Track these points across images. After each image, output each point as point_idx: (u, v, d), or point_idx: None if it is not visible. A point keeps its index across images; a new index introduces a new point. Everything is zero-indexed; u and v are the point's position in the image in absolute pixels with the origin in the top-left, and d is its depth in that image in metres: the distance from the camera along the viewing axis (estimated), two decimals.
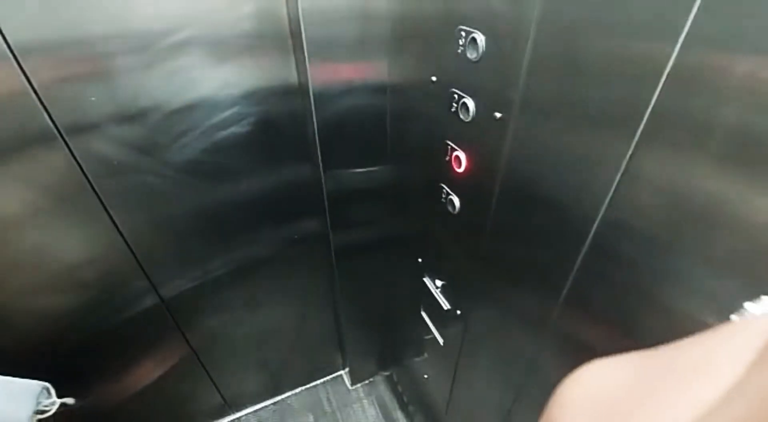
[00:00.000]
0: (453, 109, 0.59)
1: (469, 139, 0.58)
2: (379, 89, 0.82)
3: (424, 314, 0.94)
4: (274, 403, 1.42)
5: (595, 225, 0.42)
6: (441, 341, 0.88)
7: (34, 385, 0.78)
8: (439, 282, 0.83)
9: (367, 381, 1.48)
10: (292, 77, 0.84)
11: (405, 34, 0.71)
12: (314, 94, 0.79)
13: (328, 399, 1.44)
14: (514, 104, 0.48)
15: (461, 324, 0.76)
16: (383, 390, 1.45)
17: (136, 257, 0.92)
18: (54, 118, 0.71)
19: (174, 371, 1.18)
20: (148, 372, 1.15)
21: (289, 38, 0.79)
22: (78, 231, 0.85)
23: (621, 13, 0.34)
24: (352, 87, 0.81)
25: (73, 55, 0.68)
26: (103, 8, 0.66)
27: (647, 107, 0.34)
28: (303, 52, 0.75)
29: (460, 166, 0.61)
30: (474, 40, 0.51)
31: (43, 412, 0.80)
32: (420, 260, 0.88)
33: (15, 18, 0.63)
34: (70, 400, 0.85)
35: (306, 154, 0.93)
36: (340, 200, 0.97)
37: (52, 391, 0.82)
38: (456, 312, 0.77)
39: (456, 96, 0.58)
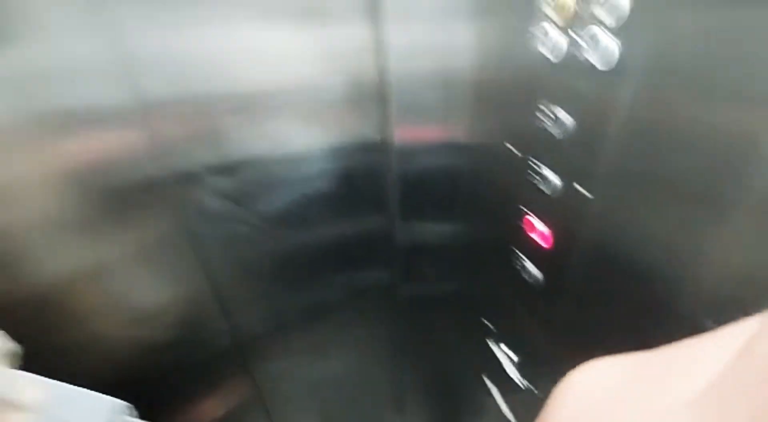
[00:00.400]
0: (530, 178, 0.60)
1: (545, 207, 0.58)
2: (457, 150, 0.85)
3: (485, 378, 0.90)
4: None
5: (697, 304, 0.39)
6: (508, 415, 0.83)
7: (118, 402, 0.84)
8: (504, 348, 0.80)
9: None
10: (375, 135, 0.89)
11: (486, 101, 0.74)
12: (396, 152, 0.84)
13: None
14: (596, 178, 0.48)
15: (530, 397, 0.72)
16: None
17: (219, 300, 0.99)
18: (165, 168, 0.81)
19: (239, 408, 1.21)
20: (214, 408, 1.20)
21: (375, 101, 0.85)
22: (170, 274, 0.94)
23: (728, 87, 0.33)
24: (432, 146, 0.85)
25: (189, 112, 0.78)
26: (223, 73, 0.76)
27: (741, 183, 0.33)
28: (389, 114, 0.80)
29: (534, 232, 0.61)
30: (557, 116, 0.52)
31: None
32: (486, 322, 0.86)
33: (152, 76, 0.74)
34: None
35: (381, 208, 0.97)
36: (411, 253, 0.99)
37: (131, 408, 0.87)
38: (523, 384, 0.73)
39: (534, 165, 0.58)
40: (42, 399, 0.73)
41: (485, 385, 0.89)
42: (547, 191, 0.57)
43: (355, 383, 1.30)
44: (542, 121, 0.55)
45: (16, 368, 0.70)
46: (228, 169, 0.85)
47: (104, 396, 0.84)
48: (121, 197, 0.82)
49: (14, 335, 0.90)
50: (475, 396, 1.01)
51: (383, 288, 1.10)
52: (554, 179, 0.55)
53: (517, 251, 0.68)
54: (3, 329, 0.87)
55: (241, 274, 0.98)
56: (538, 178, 0.58)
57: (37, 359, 0.95)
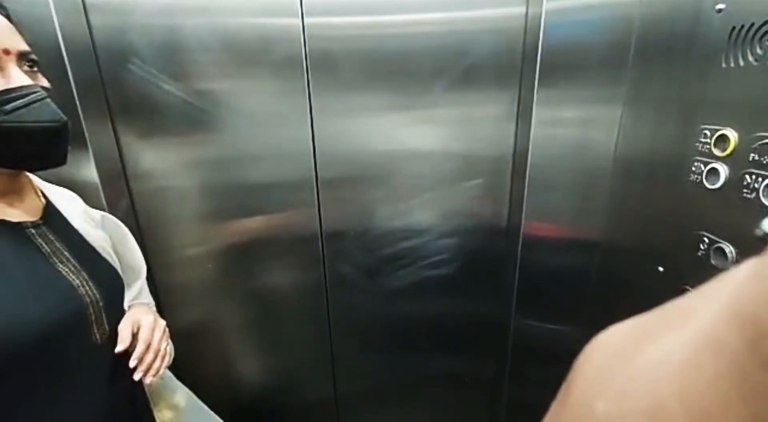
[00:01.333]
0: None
1: None
2: (589, 249, 0.85)
3: None
4: None
5: None
6: None
7: None
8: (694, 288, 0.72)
9: None
10: (502, 224, 0.94)
11: (627, 214, 0.77)
12: (523, 243, 0.87)
13: None
14: None
15: None
16: None
17: (332, 354, 1.06)
18: (323, 227, 0.93)
19: None
20: None
21: (508, 197, 0.92)
22: (300, 322, 1.05)
23: None
24: (561, 242, 0.87)
25: (347, 184, 0.91)
26: (383, 159, 0.89)
27: None
28: (521, 209, 0.85)
29: None
30: (718, 246, 0.53)
31: None
32: None
33: (326, 157, 0.89)
34: None
35: (499, 300, 0.99)
36: (524, 352, 0.97)
37: None
38: None
39: (687, 289, 0.58)
40: (183, 405, 0.84)
41: None
42: None
43: None
44: (702, 250, 0.56)
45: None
46: (371, 249, 0.95)
47: (219, 418, 0.94)
48: (281, 248, 0.97)
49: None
50: None
51: (486, 382, 1.08)
52: None
53: None
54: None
55: (357, 339, 1.04)
56: None
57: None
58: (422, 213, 0.93)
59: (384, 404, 1.14)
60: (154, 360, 0.62)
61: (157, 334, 0.63)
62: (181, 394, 0.84)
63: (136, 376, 0.60)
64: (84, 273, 0.57)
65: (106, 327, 0.59)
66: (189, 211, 0.93)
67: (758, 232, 0.48)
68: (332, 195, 0.91)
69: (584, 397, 0.20)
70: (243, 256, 0.96)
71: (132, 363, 0.60)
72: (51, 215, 0.59)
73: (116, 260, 0.67)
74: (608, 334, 0.22)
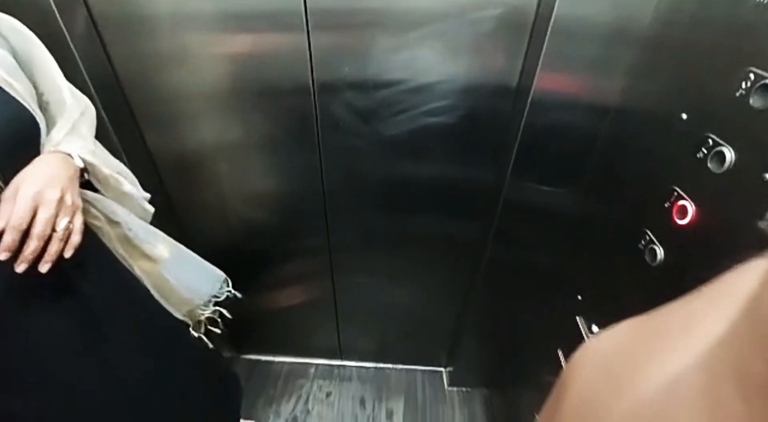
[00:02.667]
0: (699, 155, 0.51)
1: (710, 192, 0.50)
2: (602, 111, 0.76)
3: (560, 352, 0.87)
4: (375, 368, 1.49)
5: None
6: None
7: (219, 273, 0.95)
8: (596, 328, 0.75)
9: (464, 389, 1.45)
10: (513, 80, 0.83)
11: (660, 61, 0.64)
12: (532, 101, 0.77)
13: (423, 388, 1.45)
14: None
15: None
16: (478, 404, 1.40)
17: (325, 201, 1.05)
18: (314, 76, 0.84)
19: (313, 304, 1.33)
20: (291, 298, 1.32)
21: (526, 43, 0.78)
22: (291, 166, 1.01)
23: None
24: (573, 102, 0.77)
25: (348, 25, 0.78)
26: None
27: None
28: (537, 59, 0.73)
29: (683, 217, 0.53)
30: (766, 86, 0.43)
31: (217, 296, 0.97)
32: (580, 298, 0.81)
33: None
34: (238, 294, 1.00)
35: (497, 158, 0.93)
36: (514, 212, 0.94)
37: (229, 283, 0.98)
38: None
39: (710, 141, 0.50)
40: (167, 256, 0.85)
41: (557, 357, 0.86)
42: (715, 170, 0.49)
43: (418, 317, 1.33)
44: (743, 89, 0.46)
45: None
46: (366, 87, 0.85)
47: (212, 266, 0.97)
48: (270, 92, 0.88)
49: (160, 189, 1.05)
50: (540, 365, 0.99)
51: (474, 238, 1.08)
52: (730, 156, 0.47)
53: (648, 232, 0.61)
54: (153, 181, 1.00)
55: (350, 187, 1.01)
56: (710, 155, 0.49)
57: (174, 217, 1.10)
58: (426, 50, 0.80)
59: (374, 253, 1.17)
60: (44, 247, 0.49)
61: (44, 212, 0.49)
62: (165, 246, 0.81)
63: (18, 268, 0.48)
64: None
65: (1, 184, 0.48)
66: (165, 45, 0.81)
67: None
68: (324, 22, 0.78)
69: (583, 410, 0.17)
70: (227, 89, 0.88)
71: (1, 256, 0.47)
72: None
73: (19, 87, 0.53)
74: (599, 341, 0.20)
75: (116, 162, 0.73)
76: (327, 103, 0.87)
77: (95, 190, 0.66)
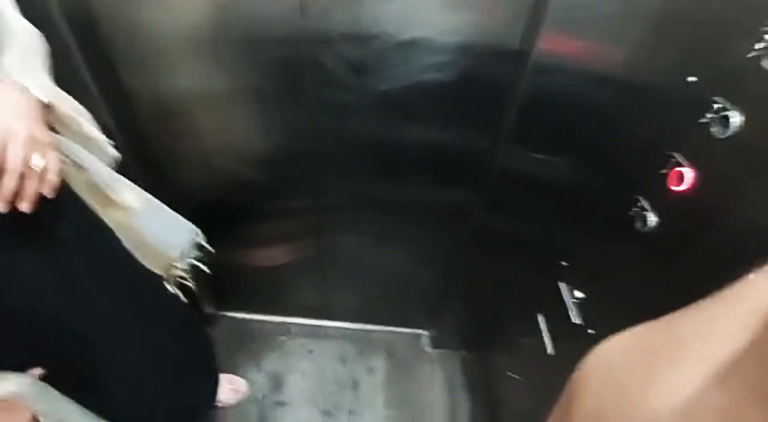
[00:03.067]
0: (703, 120, 0.50)
1: (711, 158, 0.49)
2: (605, 77, 0.73)
3: (540, 316, 0.89)
4: (357, 328, 1.51)
5: None
6: (550, 350, 0.82)
7: (190, 225, 0.93)
8: (578, 294, 0.76)
9: (444, 351, 1.48)
10: (513, 41, 0.79)
11: (670, 21, 0.61)
12: (532, 63, 0.74)
13: (404, 349, 1.48)
14: None
15: (587, 343, 0.69)
16: (457, 366, 1.44)
17: (313, 159, 1.01)
18: (305, 24, 0.78)
19: (298, 263, 1.32)
20: (277, 257, 1.31)
21: (531, 4, 0.74)
22: (278, 121, 0.96)
23: None
24: (576, 66, 0.74)
25: None
26: None
27: None
28: (540, 19, 0.69)
29: (679, 183, 0.52)
30: None
31: (192, 253, 0.95)
32: (564, 264, 0.81)
33: None
34: (210, 248, 0.98)
35: (491, 122, 0.90)
36: (506, 179, 0.93)
37: (201, 236, 0.96)
38: (586, 331, 0.70)
39: (716, 105, 0.48)
40: (136, 206, 0.82)
41: (536, 321, 0.88)
42: (719, 134, 0.47)
43: (402, 279, 1.34)
44: (756, 50, 0.44)
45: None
46: (360, 38, 0.79)
47: (183, 219, 0.93)
48: (258, 39, 0.82)
49: (141, 142, 1.00)
50: (520, 327, 1.01)
51: (462, 202, 1.07)
52: (737, 120, 0.45)
53: (640, 198, 0.60)
54: (133, 130, 0.95)
55: (339, 146, 0.98)
56: (715, 119, 0.48)
57: (156, 169, 1.06)
58: (426, 15, 0.76)
59: (361, 214, 1.15)
60: (15, 184, 0.48)
61: (14, 149, 0.47)
62: (132, 194, 0.78)
63: (22, 207, 0.49)
64: None
65: None
66: None
67: None
68: None
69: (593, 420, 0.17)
70: (213, 34, 0.82)
71: None
72: None
73: None
74: (607, 351, 0.19)
75: (75, 102, 0.67)
76: (317, 53, 0.82)
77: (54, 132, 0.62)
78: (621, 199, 0.64)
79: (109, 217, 0.73)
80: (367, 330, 1.51)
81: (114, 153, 0.76)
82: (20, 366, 0.60)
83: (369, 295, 1.44)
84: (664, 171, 0.56)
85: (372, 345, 1.47)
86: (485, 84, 0.84)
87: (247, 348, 1.43)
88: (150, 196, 0.84)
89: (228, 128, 0.99)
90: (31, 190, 0.50)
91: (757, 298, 0.13)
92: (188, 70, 0.89)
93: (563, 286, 0.79)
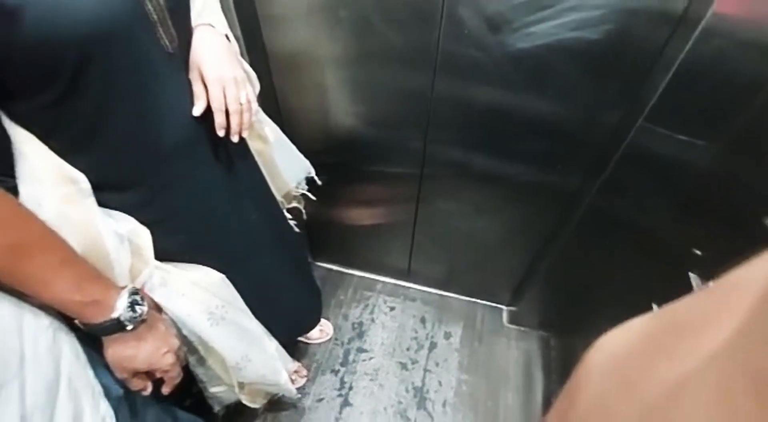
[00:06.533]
0: None
1: None
2: None
3: (655, 307, 0.83)
4: (439, 295, 1.53)
5: None
6: None
7: (307, 162, 1.00)
8: (712, 285, 0.69)
9: (522, 328, 1.46)
10: (679, 3, 0.70)
11: None
12: (702, 29, 0.65)
13: (482, 321, 1.48)
14: None
15: None
16: (534, 345, 1.41)
17: (426, 119, 1.01)
18: None
19: (391, 225, 1.35)
20: (372, 216, 1.35)
21: None
22: (401, 81, 0.95)
23: None
24: (752, 35, 0.64)
25: None
26: None
27: None
28: None
29: None
30: None
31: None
32: (698, 252, 0.74)
33: None
34: (318, 185, 1.05)
35: (631, 94, 0.82)
36: (634, 160, 0.85)
37: (313, 172, 1.03)
38: None
39: None
40: (272, 138, 0.89)
41: (647, 311, 0.82)
42: None
43: (491, 253, 1.32)
44: None
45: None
46: None
47: (302, 155, 1.00)
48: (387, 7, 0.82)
49: (268, 91, 1.06)
50: (622, 319, 0.95)
51: (576, 184, 1.01)
52: None
53: None
54: (265, 77, 1.01)
55: (456, 109, 0.95)
56: None
57: (277, 116, 1.12)
58: None
59: (464, 184, 1.13)
60: (240, 119, 0.61)
61: (231, 91, 0.59)
62: (270, 128, 0.85)
63: (234, 138, 0.62)
64: None
65: (173, 31, 0.53)
66: None
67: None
68: None
69: (596, 410, 0.17)
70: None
71: (219, 134, 0.60)
72: None
73: None
74: (610, 341, 0.20)
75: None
76: (454, 6, 0.79)
77: None
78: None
79: (253, 147, 0.81)
80: (449, 298, 1.53)
81: (258, 87, 0.82)
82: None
83: (455, 264, 1.44)
84: None
85: (452, 312, 1.49)
86: (636, 48, 0.76)
87: (336, 297, 1.51)
88: (279, 131, 0.90)
89: (350, 85, 1.01)
90: (246, 120, 0.62)
91: (749, 285, 0.13)
92: (321, 24, 0.91)
93: (694, 277, 0.73)
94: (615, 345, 0.20)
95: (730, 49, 0.66)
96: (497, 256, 1.34)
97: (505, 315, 1.49)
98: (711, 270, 0.71)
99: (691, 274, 0.74)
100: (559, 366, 1.30)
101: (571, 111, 0.88)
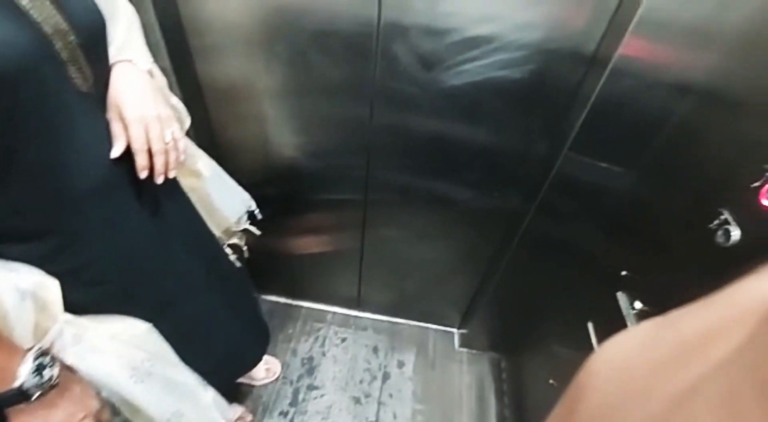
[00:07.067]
0: None
1: None
2: (686, 88, 0.70)
3: (590, 325, 0.86)
4: (390, 322, 1.52)
5: None
6: None
7: (247, 194, 0.96)
8: (638, 305, 0.73)
9: (474, 351, 1.47)
10: (590, 45, 0.77)
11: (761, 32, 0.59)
12: (611, 70, 0.72)
13: (434, 346, 1.47)
14: None
15: None
16: (486, 368, 1.43)
17: (369, 152, 1.02)
18: (382, 13, 0.78)
19: (338, 253, 1.33)
20: (319, 245, 1.32)
21: (614, 7, 0.72)
22: (340, 111, 0.96)
23: None
24: (656, 76, 0.71)
25: None
26: None
27: None
28: (625, 24, 0.67)
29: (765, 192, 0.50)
30: None
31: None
32: (624, 273, 0.79)
33: None
34: (259, 216, 1.00)
35: (556, 126, 0.88)
36: (563, 186, 0.90)
37: (254, 205, 0.98)
38: None
39: None
40: (208, 174, 0.85)
41: (586, 331, 0.86)
42: None
43: (440, 277, 1.33)
44: None
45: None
46: (434, 31, 0.78)
47: (241, 188, 0.96)
48: (331, 26, 0.82)
49: (203, 123, 1.02)
50: (566, 336, 0.99)
51: (514, 207, 1.05)
52: None
53: (723, 212, 0.57)
54: (199, 109, 0.97)
55: (397, 141, 0.97)
56: None
57: (214, 149, 1.08)
58: (506, 16, 0.75)
59: (410, 210, 1.14)
60: (165, 159, 0.58)
61: (154, 130, 0.55)
62: (204, 162, 0.82)
63: (158, 180, 0.58)
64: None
65: (87, 70, 0.50)
66: None
67: None
68: None
69: (600, 418, 0.17)
70: (286, 23, 0.82)
71: (141, 176, 0.57)
72: None
73: None
74: (614, 348, 0.19)
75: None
76: (390, 43, 0.82)
77: None
78: (700, 211, 0.61)
79: (185, 183, 0.77)
80: (400, 324, 1.51)
81: (188, 122, 0.78)
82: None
83: (405, 290, 1.43)
84: (755, 185, 0.53)
85: (404, 339, 1.47)
86: (555, 85, 0.82)
87: (284, 331, 1.45)
88: (216, 164, 0.86)
89: (288, 116, 1.00)
90: (172, 159, 0.58)
91: (758, 296, 0.13)
92: (257, 58, 0.90)
93: (622, 296, 0.77)
94: (618, 352, 0.19)
95: (638, 87, 0.73)
96: (446, 280, 1.35)
97: (456, 339, 1.50)
98: (637, 290, 0.76)
99: (618, 294, 0.78)
100: (510, 389, 1.32)
101: (504, 141, 0.93)
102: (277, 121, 1.02)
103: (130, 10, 0.63)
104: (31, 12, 0.43)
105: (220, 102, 0.99)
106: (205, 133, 1.02)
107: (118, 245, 0.60)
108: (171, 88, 0.88)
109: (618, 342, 0.20)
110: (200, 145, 1.00)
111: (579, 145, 0.84)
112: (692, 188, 0.68)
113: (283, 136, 1.05)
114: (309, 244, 1.35)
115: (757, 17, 0.60)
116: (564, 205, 0.95)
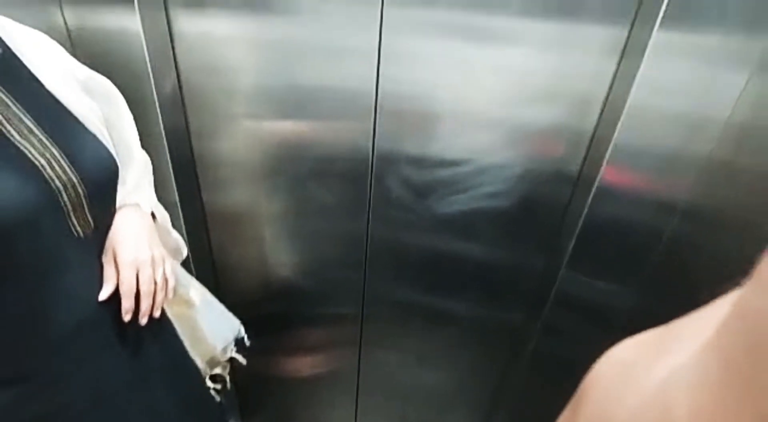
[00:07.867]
0: None
1: None
2: (669, 209, 0.73)
3: None
4: None
5: None
6: None
7: (236, 319, 0.91)
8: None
9: None
10: (573, 170, 0.82)
11: (744, 152, 0.63)
12: (595, 193, 0.75)
13: None
14: None
15: None
16: None
17: (365, 271, 1.01)
18: (375, 148, 0.84)
19: (333, 377, 1.23)
20: (312, 368, 1.23)
21: (590, 136, 0.78)
22: (337, 232, 0.98)
23: None
24: (638, 197, 0.75)
25: (416, 108, 0.80)
26: (450, 86, 0.77)
27: None
28: (602, 152, 0.72)
29: None
30: None
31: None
32: None
33: (394, 70, 0.77)
34: (248, 342, 0.93)
35: (551, 248, 0.89)
36: (565, 305, 0.88)
37: (243, 332, 0.92)
38: None
39: None
40: (197, 300, 0.82)
41: None
42: None
43: (444, 403, 1.22)
44: None
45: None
46: (425, 164, 0.84)
47: (229, 313, 0.92)
48: (328, 159, 0.88)
49: (206, 242, 1.03)
50: None
51: (518, 328, 1.01)
52: None
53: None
54: (202, 236, 0.98)
55: (393, 261, 0.97)
56: None
57: (212, 271, 1.07)
58: (487, 137, 0.81)
59: (408, 330, 1.10)
60: (151, 301, 0.56)
61: (145, 272, 0.55)
62: (195, 291, 0.80)
63: (142, 321, 0.56)
64: (54, 150, 0.45)
65: (90, 218, 0.50)
66: (239, 105, 0.84)
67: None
68: (393, 104, 0.80)
69: (600, 410, 0.19)
70: (288, 157, 0.88)
71: (125, 319, 0.54)
72: (7, 68, 0.44)
73: (108, 136, 0.56)
74: (618, 351, 0.21)
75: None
76: (384, 175, 0.87)
77: None
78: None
79: (171, 309, 0.73)
80: None
81: (184, 251, 0.78)
82: None
83: (406, 418, 1.29)
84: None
85: None
86: (545, 208, 0.85)
87: None
88: (207, 291, 0.84)
89: (286, 236, 1.02)
90: (159, 300, 0.57)
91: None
92: (260, 187, 0.94)
93: None
94: (621, 355, 0.20)
95: (625, 207, 0.76)
96: (451, 405, 1.23)
97: None
98: None
99: None
100: None
101: (500, 260, 0.94)
102: (276, 241, 1.03)
103: (145, 157, 0.67)
104: (44, 168, 0.45)
105: (222, 228, 1.01)
106: (203, 255, 1.02)
107: (92, 388, 0.55)
108: (176, 219, 0.91)
109: (621, 347, 0.21)
110: (198, 269, 1.00)
111: (576, 265, 0.84)
112: (687, 306, 0.66)
113: (280, 255, 1.05)
114: (302, 365, 1.25)
115: (723, 145, 0.65)
116: (568, 323, 0.92)
